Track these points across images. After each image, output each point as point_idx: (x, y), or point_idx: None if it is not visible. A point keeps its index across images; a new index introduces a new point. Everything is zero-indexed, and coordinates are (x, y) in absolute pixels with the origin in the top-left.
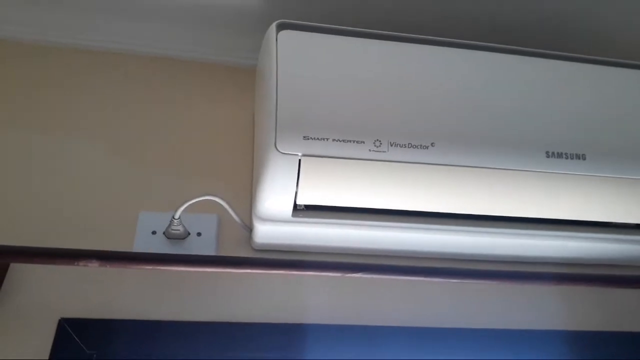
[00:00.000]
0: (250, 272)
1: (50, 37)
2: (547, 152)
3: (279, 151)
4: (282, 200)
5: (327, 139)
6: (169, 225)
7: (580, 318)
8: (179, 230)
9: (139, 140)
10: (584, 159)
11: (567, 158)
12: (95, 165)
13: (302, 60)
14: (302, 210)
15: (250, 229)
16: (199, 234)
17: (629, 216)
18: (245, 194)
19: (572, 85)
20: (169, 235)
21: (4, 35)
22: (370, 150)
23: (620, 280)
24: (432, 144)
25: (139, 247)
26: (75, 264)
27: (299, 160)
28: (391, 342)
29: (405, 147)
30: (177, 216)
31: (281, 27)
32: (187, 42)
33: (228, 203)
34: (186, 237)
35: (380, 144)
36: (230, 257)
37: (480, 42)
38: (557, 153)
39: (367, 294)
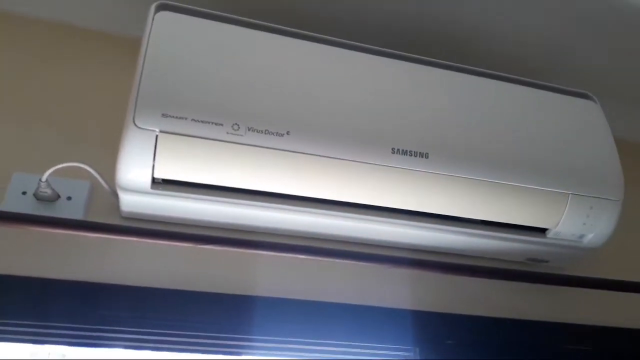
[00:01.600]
0: (103, 237)
1: None
2: (393, 149)
3: (137, 126)
4: (140, 173)
5: (186, 118)
6: (38, 188)
7: (428, 299)
8: (46, 192)
9: (22, 102)
10: (427, 157)
11: (411, 155)
12: None
13: (173, 42)
14: (160, 184)
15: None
16: (69, 198)
17: (468, 211)
18: None
19: (424, 89)
20: (38, 197)
21: None
22: (227, 132)
23: (462, 268)
24: (287, 132)
25: (8, 206)
26: None
27: (156, 136)
28: (254, 311)
29: (262, 133)
30: (43, 179)
31: (161, 7)
32: (80, 8)
33: (102, 171)
34: (56, 200)
35: (239, 127)
36: (88, 221)
37: (347, 40)
38: (403, 150)
39: (225, 263)
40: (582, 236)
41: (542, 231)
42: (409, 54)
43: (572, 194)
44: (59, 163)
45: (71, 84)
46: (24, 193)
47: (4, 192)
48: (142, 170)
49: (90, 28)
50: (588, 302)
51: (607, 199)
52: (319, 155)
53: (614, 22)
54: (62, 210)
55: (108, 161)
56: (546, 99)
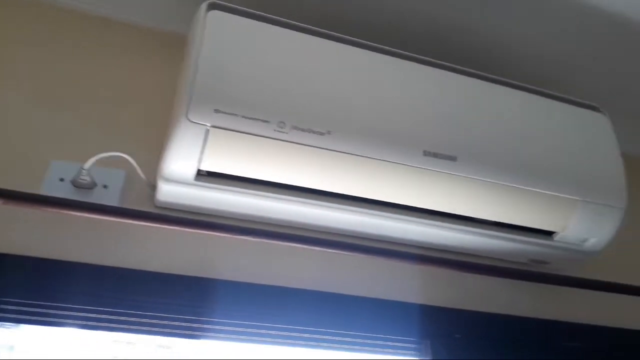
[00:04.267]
0: (145, 225)
1: None
2: (424, 151)
3: (190, 120)
4: (187, 165)
5: (237, 115)
6: (78, 175)
7: (435, 295)
8: (86, 180)
9: (61, 92)
10: (455, 160)
11: (440, 158)
12: (14, 110)
13: (226, 41)
14: (204, 176)
15: (154, 187)
16: (105, 187)
17: (487, 213)
18: (157, 155)
19: (456, 96)
20: (76, 184)
21: None
22: (274, 130)
23: (473, 266)
24: (328, 132)
25: (46, 191)
26: None
27: (207, 130)
28: (281, 302)
29: (305, 131)
30: (86, 167)
31: (211, 6)
32: (121, 2)
33: (137, 161)
34: (92, 187)
35: (284, 125)
36: (130, 209)
37: (386, 46)
38: (433, 153)
39: (260, 256)
40: (585, 240)
41: (549, 234)
42: (441, 62)
43: (581, 200)
44: (93, 152)
45: (108, 75)
46: (61, 180)
47: (41, 178)
48: (189, 162)
49: (131, 22)
50: (583, 302)
51: (612, 206)
52: (357, 155)
53: (623, 44)
54: (99, 198)
55: (142, 152)
56: (561, 109)
